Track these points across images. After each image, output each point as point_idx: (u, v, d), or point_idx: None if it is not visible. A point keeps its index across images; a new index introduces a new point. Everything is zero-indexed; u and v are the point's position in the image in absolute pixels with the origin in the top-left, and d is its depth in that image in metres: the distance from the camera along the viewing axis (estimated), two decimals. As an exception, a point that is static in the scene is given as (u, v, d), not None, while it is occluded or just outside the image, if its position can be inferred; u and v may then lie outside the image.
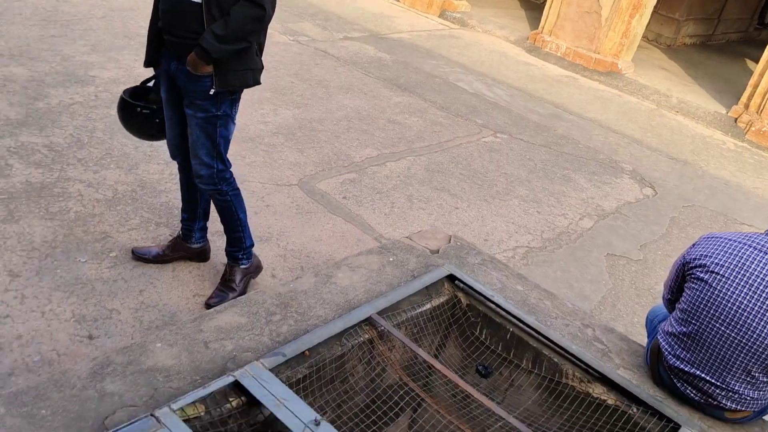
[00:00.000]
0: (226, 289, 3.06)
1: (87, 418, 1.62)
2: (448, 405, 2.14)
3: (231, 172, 2.89)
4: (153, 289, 3.01)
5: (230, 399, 1.80)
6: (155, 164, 4.07)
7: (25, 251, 3.04)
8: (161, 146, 4.09)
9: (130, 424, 1.59)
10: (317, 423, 1.70)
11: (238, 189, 2.95)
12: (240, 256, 3.08)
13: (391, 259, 2.63)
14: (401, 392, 2.10)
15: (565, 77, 8.82)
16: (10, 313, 2.67)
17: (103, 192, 3.65)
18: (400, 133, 5.55)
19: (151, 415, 1.63)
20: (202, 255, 3.28)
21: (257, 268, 3.23)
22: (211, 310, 2.16)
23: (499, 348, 2.44)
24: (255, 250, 3.29)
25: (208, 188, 2.85)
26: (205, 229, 3.23)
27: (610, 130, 7.09)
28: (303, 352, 2.00)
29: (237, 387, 1.80)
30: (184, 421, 1.64)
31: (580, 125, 7.01)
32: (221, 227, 3.05)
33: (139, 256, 3.16)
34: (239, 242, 3.05)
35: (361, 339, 2.18)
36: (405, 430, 2.32)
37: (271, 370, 1.87)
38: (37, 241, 3.13)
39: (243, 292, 3.08)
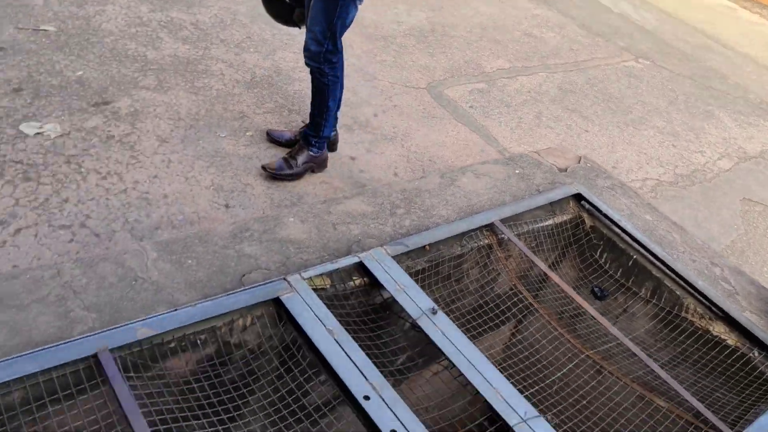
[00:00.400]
0: (285, 163, 3.10)
1: (227, 273, 1.77)
2: (559, 319, 2.16)
3: (339, 57, 2.88)
4: (283, 171, 3.16)
5: (354, 278, 1.90)
6: (291, 53, 4.15)
7: (172, 120, 3.26)
8: (298, 36, 4.16)
9: (265, 284, 1.73)
10: (434, 312, 1.77)
11: (338, 77, 2.94)
12: (313, 141, 3.11)
13: (517, 172, 2.60)
14: (514, 299, 2.13)
15: (722, 6, 8.02)
16: (158, 174, 2.91)
17: (242, 74, 3.79)
18: (534, 47, 5.32)
19: (284, 279, 1.75)
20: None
21: (322, 163, 3.23)
22: (339, 195, 2.24)
23: (618, 273, 2.40)
24: (379, 146, 3.35)
25: (312, 64, 2.86)
26: (335, 119, 3.30)
27: (765, 69, 6.46)
28: (424, 246, 2.05)
29: (361, 268, 1.89)
30: (312, 289, 1.75)
31: (732, 60, 6.42)
32: (350, 120, 3.10)
33: (273, 139, 3.30)
34: (318, 128, 3.07)
35: (481, 243, 2.21)
36: (512, 336, 2.38)
37: (393, 257, 1.94)
38: (182, 113, 3.33)
39: (299, 175, 3.12)
